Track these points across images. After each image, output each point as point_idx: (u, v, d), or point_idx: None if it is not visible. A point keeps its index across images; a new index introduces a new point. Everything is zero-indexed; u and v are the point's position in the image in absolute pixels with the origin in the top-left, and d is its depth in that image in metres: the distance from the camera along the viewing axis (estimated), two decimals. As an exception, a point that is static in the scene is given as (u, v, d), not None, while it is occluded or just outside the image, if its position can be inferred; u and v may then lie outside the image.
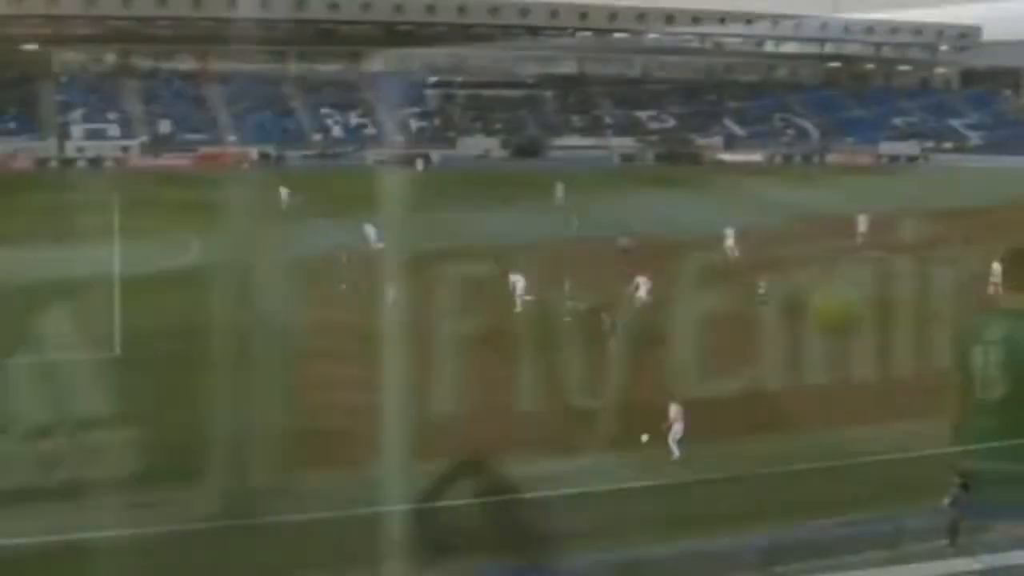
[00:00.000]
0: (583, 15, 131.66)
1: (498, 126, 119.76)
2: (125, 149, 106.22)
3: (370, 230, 54.27)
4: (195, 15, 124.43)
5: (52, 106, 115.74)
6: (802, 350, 26.03)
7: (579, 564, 11.77)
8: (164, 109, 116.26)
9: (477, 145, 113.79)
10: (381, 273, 43.31)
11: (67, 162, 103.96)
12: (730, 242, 56.72)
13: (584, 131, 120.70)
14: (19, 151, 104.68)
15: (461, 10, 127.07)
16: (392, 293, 38.39)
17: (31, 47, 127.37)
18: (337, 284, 48.36)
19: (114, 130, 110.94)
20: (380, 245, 52.10)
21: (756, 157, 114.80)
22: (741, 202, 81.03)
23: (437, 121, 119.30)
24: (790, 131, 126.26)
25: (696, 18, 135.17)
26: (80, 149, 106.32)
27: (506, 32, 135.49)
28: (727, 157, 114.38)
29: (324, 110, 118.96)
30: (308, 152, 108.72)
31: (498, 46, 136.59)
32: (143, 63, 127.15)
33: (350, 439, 22.90)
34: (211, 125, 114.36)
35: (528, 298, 45.95)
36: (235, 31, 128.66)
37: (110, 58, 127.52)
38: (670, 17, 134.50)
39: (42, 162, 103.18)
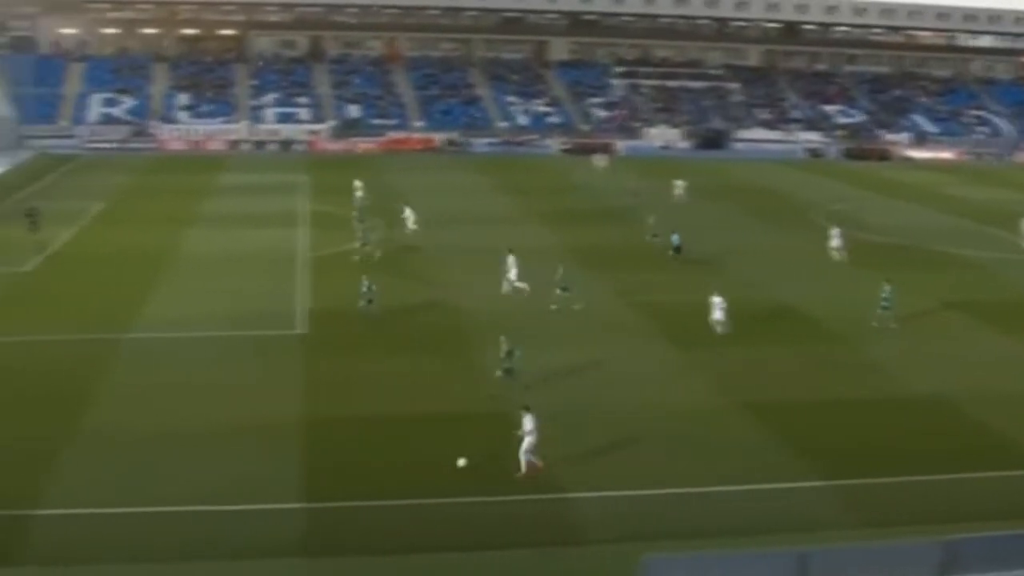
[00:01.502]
0: (772, 6, 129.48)
1: (682, 117, 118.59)
2: (315, 133, 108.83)
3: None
4: (380, 3, 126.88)
5: (246, 90, 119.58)
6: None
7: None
8: (353, 94, 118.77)
9: (661, 135, 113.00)
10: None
11: (259, 144, 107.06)
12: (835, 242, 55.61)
13: (769, 124, 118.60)
14: (213, 133, 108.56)
15: (648, 0, 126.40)
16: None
17: (227, 33, 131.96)
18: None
19: (305, 114, 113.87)
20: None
21: (947, 154, 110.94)
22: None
23: (621, 111, 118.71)
24: (983, 128, 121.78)
25: (887, 11, 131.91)
26: (272, 132, 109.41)
27: (693, 22, 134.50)
28: (916, 154, 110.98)
29: (509, 98, 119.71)
30: (493, 139, 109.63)
31: (684, 36, 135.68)
32: (333, 49, 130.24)
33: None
34: (398, 110, 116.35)
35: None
36: (422, 18, 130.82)
37: (302, 44, 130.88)
38: (860, 10, 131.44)
39: (235, 144, 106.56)
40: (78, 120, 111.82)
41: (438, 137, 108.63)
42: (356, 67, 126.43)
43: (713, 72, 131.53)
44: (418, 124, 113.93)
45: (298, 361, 37.45)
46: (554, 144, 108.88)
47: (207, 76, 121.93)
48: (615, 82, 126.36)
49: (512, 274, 47.07)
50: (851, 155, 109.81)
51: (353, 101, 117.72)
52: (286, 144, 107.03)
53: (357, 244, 54.70)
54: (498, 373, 34.53)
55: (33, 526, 25.04)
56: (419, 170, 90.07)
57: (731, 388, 35.56)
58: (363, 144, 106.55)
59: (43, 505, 25.91)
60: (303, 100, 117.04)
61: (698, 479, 28.15)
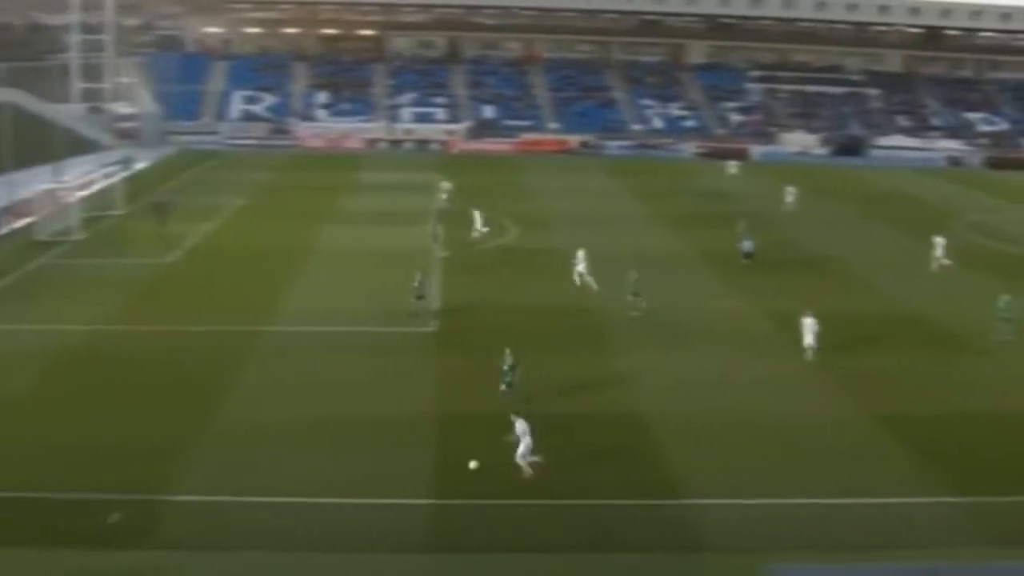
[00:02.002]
0: (913, 10, 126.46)
1: (820, 123, 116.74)
2: (451, 133, 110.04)
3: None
4: (518, 4, 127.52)
5: (384, 89, 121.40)
6: None
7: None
8: (489, 95, 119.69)
9: (797, 141, 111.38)
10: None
11: (395, 143, 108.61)
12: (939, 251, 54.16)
13: (909, 131, 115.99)
14: (351, 132, 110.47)
15: (787, 4, 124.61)
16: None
17: (366, 33, 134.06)
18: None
19: (441, 114, 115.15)
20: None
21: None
22: None
23: (758, 115, 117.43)
24: None
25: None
26: (408, 131, 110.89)
27: (832, 27, 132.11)
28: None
29: (645, 101, 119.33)
30: (627, 142, 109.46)
31: (823, 41, 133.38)
32: (470, 50, 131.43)
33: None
34: (534, 111, 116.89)
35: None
36: (560, 20, 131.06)
37: (439, 44, 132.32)
38: (1006, 15, 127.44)
39: (372, 142, 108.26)
40: (220, 117, 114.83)
41: (573, 139, 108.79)
42: (493, 68, 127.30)
43: (852, 78, 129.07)
44: (553, 126, 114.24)
45: (429, 358, 37.87)
46: (689, 148, 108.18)
47: (346, 75, 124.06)
48: (752, 86, 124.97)
49: (581, 267, 48.25)
50: (993, 164, 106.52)
51: (489, 102, 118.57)
52: (422, 143, 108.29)
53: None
54: (502, 387, 33.43)
55: (167, 511, 25.63)
56: (552, 171, 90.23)
57: (853, 397, 34.82)
58: (498, 145, 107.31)
59: (177, 491, 26.59)
60: (440, 100, 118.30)
61: (821, 490, 27.55)
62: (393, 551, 24.25)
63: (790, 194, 72.26)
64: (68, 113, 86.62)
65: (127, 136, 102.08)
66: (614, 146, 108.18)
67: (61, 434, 30.14)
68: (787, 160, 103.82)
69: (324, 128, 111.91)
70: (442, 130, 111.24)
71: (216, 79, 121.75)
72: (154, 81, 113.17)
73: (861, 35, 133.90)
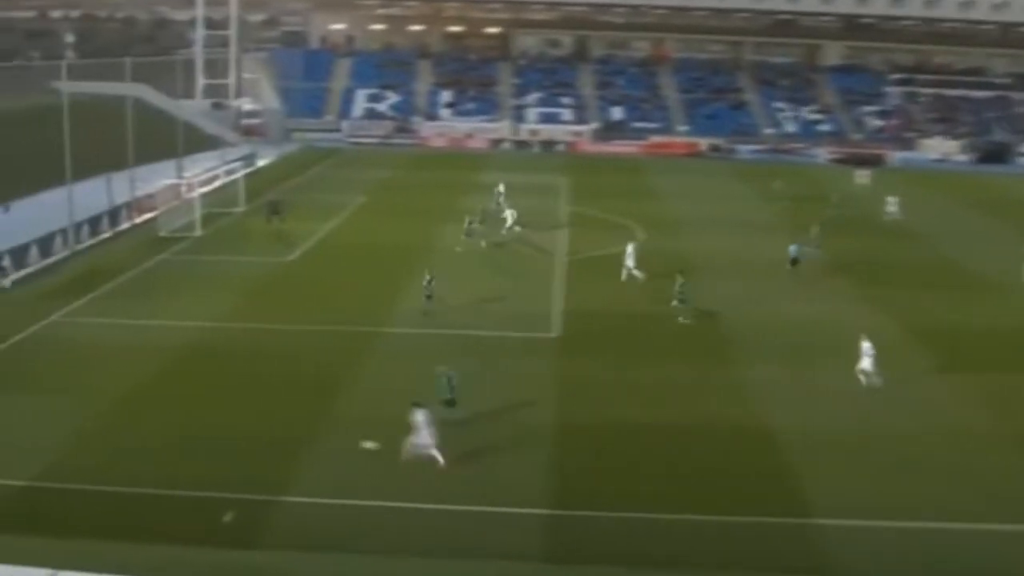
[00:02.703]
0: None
1: (962, 128, 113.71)
2: (577, 134, 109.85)
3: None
4: (648, 3, 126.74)
5: (509, 89, 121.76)
6: None
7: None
8: (616, 95, 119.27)
9: (937, 147, 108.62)
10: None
11: (520, 143, 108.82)
12: None
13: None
14: (475, 131, 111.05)
15: (929, 3, 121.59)
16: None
17: (492, 31, 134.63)
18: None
19: (567, 114, 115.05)
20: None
21: None
22: None
23: (896, 120, 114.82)
24: None
25: None
26: (533, 132, 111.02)
27: (976, 27, 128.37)
28: None
29: (777, 103, 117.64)
30: (758, 146, 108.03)
31: (967, 42, 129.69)
32: (598, 49, 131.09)
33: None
34: (662, 113, 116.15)
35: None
36: (691, 19, 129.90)
37: (567, 43, 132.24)
38: None
39: (496, 142, 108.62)
40: (343, 114, 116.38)
41: (702, 142, 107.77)
42: (621, 68, 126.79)
43: (997, 81, 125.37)
44: (682, 128, 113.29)
45: (551, 364, 37.66)
46: (823, 153, 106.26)
47: (471, 74, 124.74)
48: (890, 89, 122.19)
49: (630, 261, 49.29)
50: None
51: (617, 103, 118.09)
52: (547, 144, 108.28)
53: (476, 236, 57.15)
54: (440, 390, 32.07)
55: (281, 512, 25.86)
56: (680, 174, 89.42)
57: (986, 413, 33.79)
58: (625, 147, 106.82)
59: (291, 492, 26.80)
60: (566, 100, 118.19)
61: (977, 515, 26.55)
62: (507, 559, 24.12)
63: (892, 203, 70.41)
64: (192, 109, 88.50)
65: (250, 133, 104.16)
66: (745, 150, 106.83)
67: (177, 430, 30.69)
68: (926, 167, 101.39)
69: (447, 127, 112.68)
70: (568, 131, 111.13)
71: (340, 76, 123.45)
72: (277, 77, 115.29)
73: (1008, 36, 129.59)
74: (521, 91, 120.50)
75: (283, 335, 40.48)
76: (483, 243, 56.46)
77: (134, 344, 38.63)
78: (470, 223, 57.85)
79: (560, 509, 26.34)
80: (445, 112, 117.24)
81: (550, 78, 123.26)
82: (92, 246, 55.76)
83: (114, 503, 26.02)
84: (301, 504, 26.28)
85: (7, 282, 47.31)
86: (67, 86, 55.64)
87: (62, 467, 27.93)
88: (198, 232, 58.84)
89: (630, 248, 50.32)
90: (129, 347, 38.29)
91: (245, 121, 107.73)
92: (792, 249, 52.78)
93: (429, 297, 43.76)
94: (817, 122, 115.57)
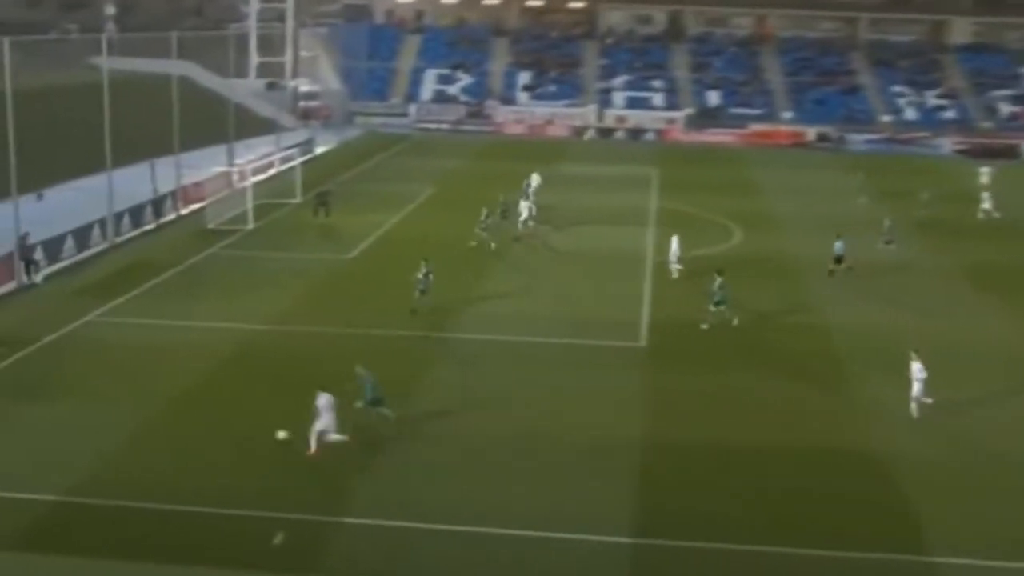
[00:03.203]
0: None
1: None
2: (669, 121, 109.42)
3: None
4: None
5: (594, 70, 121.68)
6: None
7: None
8: (713, 78, 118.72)
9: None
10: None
11: (605, 131, 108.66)
12: None
13: None
14: (556, 117, 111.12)
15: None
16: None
17: (576, 5, 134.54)
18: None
19: (658, 99, 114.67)
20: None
21: None
22: None
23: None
24: None
25: None
26: (620, 118, 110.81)
27: None
28: None
29: (896, 87, 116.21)
30: (874, 135, 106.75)
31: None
32: (694, 27, 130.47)
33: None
34: (764, 98, 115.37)
35: None
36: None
37: (659, 20, 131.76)
38: None
39: (578, 130, 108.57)
40: (411, 97, 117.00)
41: (809, 131, 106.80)
42: (719, 47, 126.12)
43: None
44: (786, 115, 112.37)
45: (638, 376, 37.42)
46: (947, 144, 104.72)
47: (551, 53, 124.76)
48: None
49: (674, 256, 50.80)
50: None
51: (713, 86, 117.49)
52: (635, 132, 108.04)
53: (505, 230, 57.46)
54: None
55: (337, 534, 25.90)
56: (783, 168, 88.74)
57: None
58: (721, 136, 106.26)
59: (349, 512, 26.84)
60: (657, 84, 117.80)
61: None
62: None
63: (987, 199, 69.14)
64: (244, 89, 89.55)
65: (308, 116, 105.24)
66: (858, 140, 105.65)
67: (224, 442, 30.95)
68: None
69: (525, 112, 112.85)
70: (659, 117, 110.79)
71: (407, 55, 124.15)
72: (338, 56, 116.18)
73: None
74: (607, 73, 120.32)
75: (342, 339, 40.67)
76: (493, 245, 56.03)
77: (178, 347, 39.04)
78: (487, 216, 57.74)
79: (644, 537, 26.14)
80: (523, 96, 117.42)
81: (640, 58, 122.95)
82: (133, 239, 56.62)
83: (153, 521, 26.22)
84: (359, 526, 26.30)
85: (39, 277, 48.11)
86: (107, 62, 56.50)
87: (97, 481, 28.24)
88: (250, 225, 59.47)
89: (675, 243, 51.05)
90: (172, 351, 38.70)
91: (303, 103, 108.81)
92: (837, 246, 52.23)
93: (423, 292, 44.27)
94: (941, 108, 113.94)
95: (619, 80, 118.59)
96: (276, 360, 38.42)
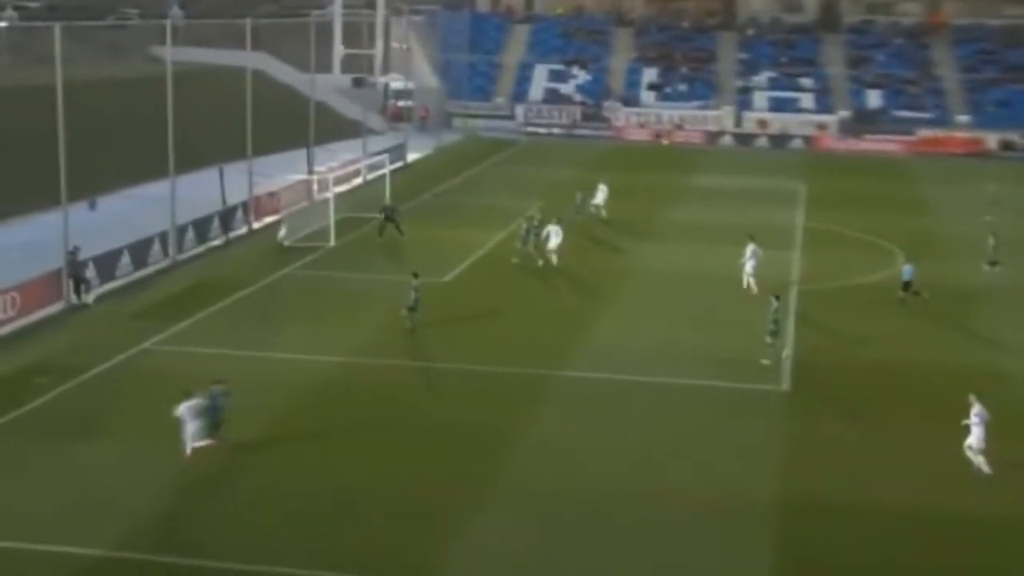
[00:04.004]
0: None
1: None
2: (820, 126, 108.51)
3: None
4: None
5: (731, 67, 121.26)
6: None
7: None
8: (873, 76, 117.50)
9: None
10: None
11: (743, 138, 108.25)
12: None
13: None
14: (686, 120, 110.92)
15: None
16: None
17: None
18: None
19: (807, 100, 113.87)
20: None
21: None
22: None
23: None
24: None
25: None
26: (762, 123, 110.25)
27: None
28: None
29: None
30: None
31: None
32: (851, 14, 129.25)
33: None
34: (935, 99, 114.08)
35: None
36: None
37: (809, 7, 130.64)
38: None
39: (713, 136, 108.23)
40: (518, 96, 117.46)
41: (989, 137, 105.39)
42: (881, 39, 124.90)
43: None
44: (962, 119, 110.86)
45: (774, 425, 37.03)
46: None
47: (681, 46, 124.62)
48: None
49: (749, 266, 52.49)
50: None
51: (874, 85, 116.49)
52: (780, 139, 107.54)
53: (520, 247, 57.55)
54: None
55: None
56: (959, 181, 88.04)
57: None
58: (884, 143, 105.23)
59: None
60: (806, 82, 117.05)
61: None
62: None
63: None
64: (327, 85, 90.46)
65: (399, 118, 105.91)
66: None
67: (297, 493, 31.05)
68: None
69: (650, 115, 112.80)
70: (808, 122, 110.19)
71: (514, 48, 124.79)
72: (436, 49, 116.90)
73: None
74: (748, 69, 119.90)
75: (434, 376, 40.95)
76: (540, 262, 56.56)
77: (247, 381, 39.11)
78: (527, 231, 57.89)
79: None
80: (647, 96, 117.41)
81: (786, 52, 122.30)
82: (198, 256, 57.46)
83: (214, 582, 26.45)
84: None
85: (90, 298, 48.89)
86: (171, 53, 57.32)
87: (152, 533, 28.47)
88: (331, 242, 60.05)
89: (750, 251, 52.14)
90: (241, 384, 38.77)
91: (394, 103, 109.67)
92: (906, 271, 51.59)
93: (412, 310, 45.27)
94: None
95: (761, 78, 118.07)
96: (361, 398, 38.67)
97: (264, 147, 67.12)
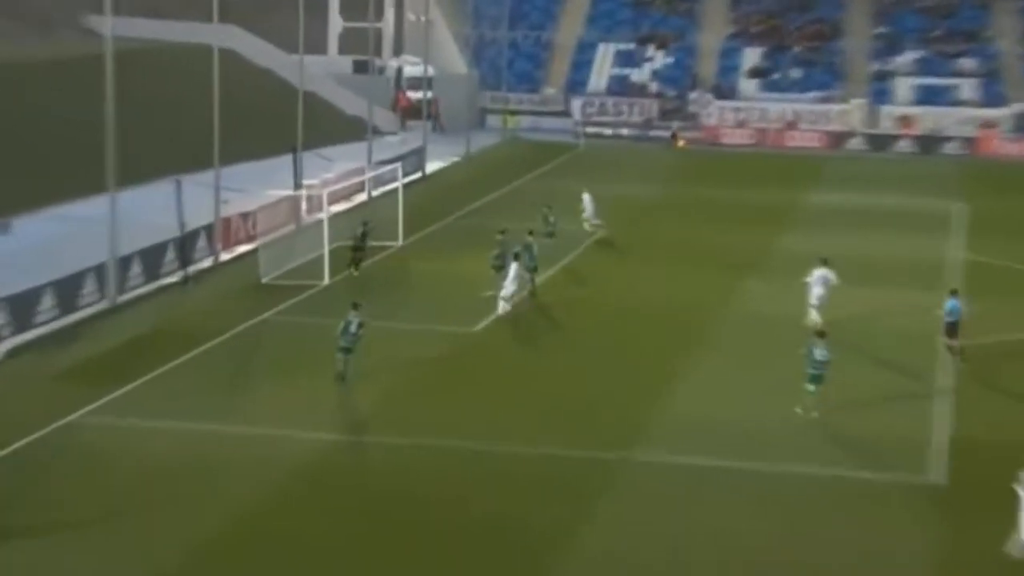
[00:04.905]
0: None
1: None
2: (985, 123, 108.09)
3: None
4: None
5: (862, 45, 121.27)
6: None
7: None
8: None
9: None
10: None
11: (877, 140, 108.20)
12: None
13: None
14: (801, 117, 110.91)
15: None
16: None
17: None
18: None
19: (967, 88, 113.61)
20: None
21: None
22: None
23: None
24: None
25: None
26: (904, 119, 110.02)
27: None
28: None
29: None
30: None
31: None
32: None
33: None
34: None
35: None
36: None
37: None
38: None
39: (837, 137, 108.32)
40: (574, 86, 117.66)
41: None
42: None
43: None
44: None
45: (921, 532, 37.01)
46: None
47: (794, 18, 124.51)
48: None
49: (814, 295, 54.27)
50: None
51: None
52: (929, 141, 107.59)
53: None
54: None
55: None
56: None
57: None
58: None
59: None
60: (965, 63, 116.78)
61: None
62: None
63: None
64: (320, 71, 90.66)
65: (415, 114, 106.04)
66: None
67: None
68: None
69: (752, 110, 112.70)
70: (969, 118, 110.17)
71: (570, 22, 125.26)
72: (465, 22, 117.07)
73: None
74: (885, 48, 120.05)
75: (456, 459, 40.63)
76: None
77: (212, 465, 39.22)
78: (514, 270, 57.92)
79: None
80: (748, 85, 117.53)
81: (939, 24, 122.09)
82: (147, 296, 57.74)
83: None
84: None
85: (-1, 352, 49.00)
86: (111, 24, 57.30)
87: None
88: (325, 280, 60.17)
89: (818, 276, 54.55)
90: (204, 470, 38.88)
91: (403, 93, 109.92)
92: (951, 306, 51.78)
93: (347, 350, 45.88)
94: None
95: (904, 59, 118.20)
96: (364, 489, 38.53)
97: (236, 153, 67.37)
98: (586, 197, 72.98)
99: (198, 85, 64.01)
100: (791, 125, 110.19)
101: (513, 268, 57.22)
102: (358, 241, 62.65)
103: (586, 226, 71.64)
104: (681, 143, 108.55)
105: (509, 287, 56.48)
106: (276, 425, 42.70)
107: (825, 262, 55.11)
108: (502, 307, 56.12)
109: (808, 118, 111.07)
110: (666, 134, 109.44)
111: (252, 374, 48.53)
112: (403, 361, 49.68)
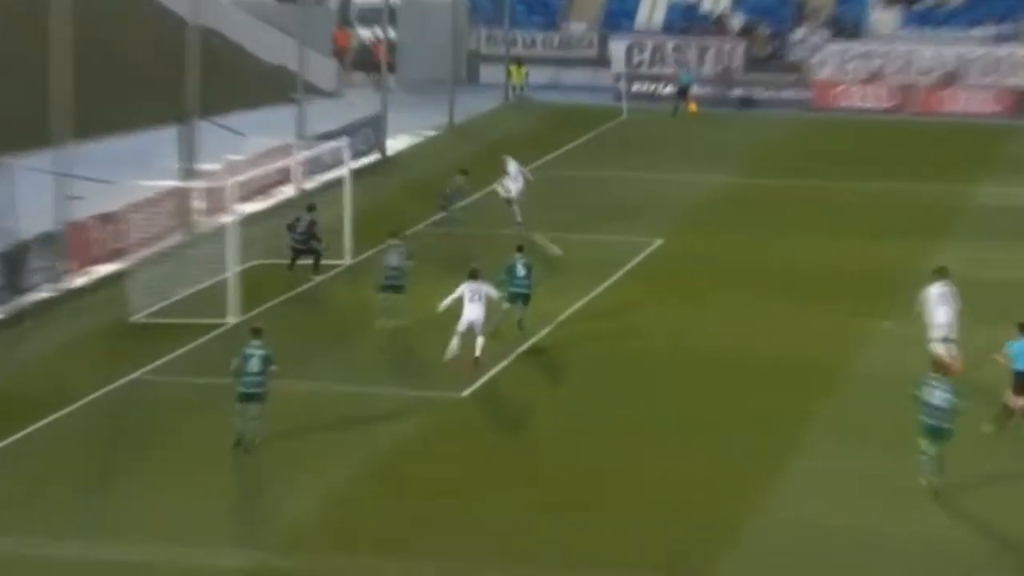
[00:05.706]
0: None
1: None
2: None
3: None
4: None
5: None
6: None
7: None
8: None
9: None
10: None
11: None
12: None
13: None
14: (964, 66, 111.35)
15: None
16: None
17: None
18: None
19: None
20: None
21: None
22: None
23: None
24: None
25: None
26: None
27: None
28: None
29: None
30: None
31: None
32: None
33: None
34: None
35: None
36: None
37: None
38: None
39: (1021, 99, 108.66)
40: (613, 22, 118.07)
41: None
42: None
43: None
44: None
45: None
46: None
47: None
48: None
49: (938, 322, 55.93)
50: None
51: None
52: None
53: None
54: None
55: None
56: None
57: None
58: None
59: None
60: None
61: None
62: None
63: None
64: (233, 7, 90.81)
65: (372, 66, 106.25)
66: None
67: None
68: None
69: (889, 57, 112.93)
70: None
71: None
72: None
73: None
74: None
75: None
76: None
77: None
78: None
79: None
80: (884, 17, 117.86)
81: None
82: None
83: None
84: None
85: None
86: None
87: None
88: (230, 317, 59.87)
89: (936, 294, 55.71)
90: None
91: (361, 33, 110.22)
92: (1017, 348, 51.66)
93: (247, 399, 46.76)
94: None
95: None
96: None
97: (94, 123, 67.08)
98: (512, 167, 74.11)
99: (36, 20, 63.78)
100: (951, 79, 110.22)
101: (483, 291, 57.15)
102: (301, 233, 64.10)
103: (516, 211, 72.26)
104: (692, 107, 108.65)
105: (474, 314, 56.25)
106: (163, 540, 41.81)
107: (942, 273, 55.64)
108: (454, 346, 55.70)
109: (979, 68, 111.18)
110: (763, 95, 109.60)
111: (124, 465, 47.77)
112: (347, 445, 49.08)
